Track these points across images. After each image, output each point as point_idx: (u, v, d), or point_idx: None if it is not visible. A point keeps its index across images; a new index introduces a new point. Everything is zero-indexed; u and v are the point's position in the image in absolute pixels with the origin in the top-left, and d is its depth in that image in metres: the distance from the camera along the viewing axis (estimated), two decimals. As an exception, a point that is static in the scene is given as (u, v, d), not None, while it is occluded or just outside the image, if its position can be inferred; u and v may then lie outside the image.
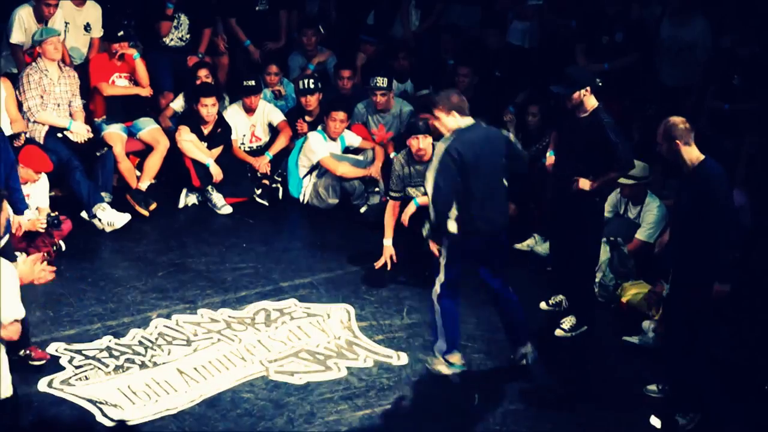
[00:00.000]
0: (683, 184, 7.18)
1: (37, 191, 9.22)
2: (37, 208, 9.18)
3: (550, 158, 8.79)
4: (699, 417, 7.35)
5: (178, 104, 10.99)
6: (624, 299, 8.90)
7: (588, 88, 8.14)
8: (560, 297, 8.83)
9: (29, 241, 8.95)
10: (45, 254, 9.07)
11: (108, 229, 9.77)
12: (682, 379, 7.38)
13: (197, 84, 10.65)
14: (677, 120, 7.09)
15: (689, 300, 7.15)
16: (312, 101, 10.88)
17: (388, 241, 9.34)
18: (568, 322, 8.58)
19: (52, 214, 9.15)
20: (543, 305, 8.86)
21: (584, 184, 8.20)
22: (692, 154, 7.07)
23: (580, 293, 8.62)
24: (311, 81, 10.88)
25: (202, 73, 10.79)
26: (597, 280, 8.96)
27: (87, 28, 10.78)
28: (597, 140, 8.11)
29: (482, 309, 8.81)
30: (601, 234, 8.70)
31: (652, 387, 7.74)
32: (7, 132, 9.77)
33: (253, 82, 10.81)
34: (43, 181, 9.33)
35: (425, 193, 9.25)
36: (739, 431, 7.38)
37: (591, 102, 8.19)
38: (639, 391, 7.78)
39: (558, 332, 8.57)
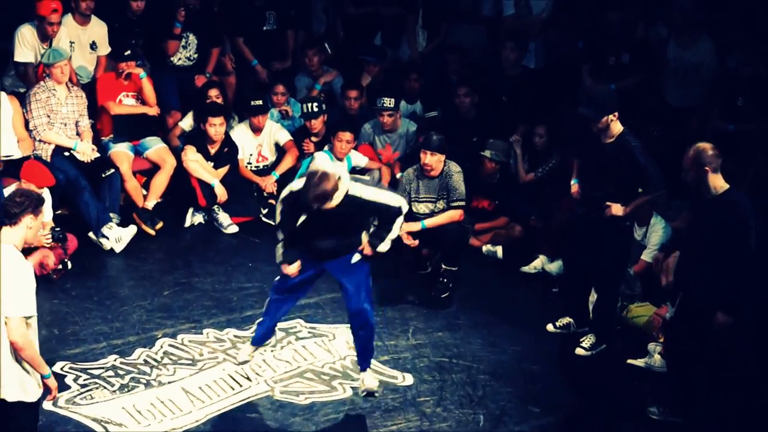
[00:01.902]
0: (704, 211, 7.12)
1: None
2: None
3: (574, 186, 8.67)
4: None
5: (186, 123, 11.00)
6: (629, 321, 8.89)
7: (616, 114, 8.14)
8: (568, 319, 8.81)
9: (34, 256, 8.98)
10: (50, 272, 9.13)
11: (117, 247, 9.78)
12: (687, 403, 7.40)
13: (206, 103, 10.67)
14: (706, 146, 7.08)
15: (697, 326, 7.15)
16: (317, 124, 10.88)
17: None
18: (588, 340, 8.57)
19: (56, 229, 9.16)
20: (550, 327, 8.84)
21: (617, 209, 8.17)
22: (718, 182, 7.07)
23: (603, 314, 8.60)
24: (315, 105, 10.87)
25: (213, 92, 10.81)
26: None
27: (93, 46, 10.78)
28: (626, 165, 8.10)
29: (487, 330, 8.82)
30: (628, 256, 8.70)
31: (653, 409, 7.73)
32: (15, 150, 9.85)
33: (260, 102, 10.83)
34: (46, 196, 9.31)
35: (434, 212, 9.28)
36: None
37: (617, 127, 8.16)
38: (642, 413, 7.76)
39: (578, 351, 8.56)
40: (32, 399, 6.06)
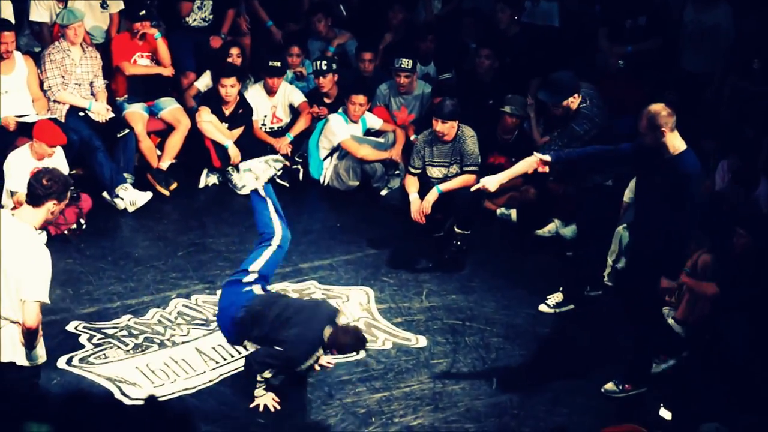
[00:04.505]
0: (659, 169, 7.04)
1: (52, 166, 9.11)
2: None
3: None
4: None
5: (201, 84, 10.97)
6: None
7: (576, 95, 8.08)
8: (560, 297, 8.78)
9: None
10: (64, 231, 9.15)
11: (130, 209, 9.79)
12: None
13: (224, 63, 10.63)
14: (658, 107, 7.00)
15: (642, 282, 7.21)
16: (326, 83, 10.86)
17: (414, 195, 9.29)
18: (554, 298, 8.61)
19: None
20: (543, 308, 8.73)
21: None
22: (675, 141, 7.01)
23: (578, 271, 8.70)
24: (324, 62, 10.87)
25: (234, 51, 10.78)
26: (618, 265, 8.92)
27: (103, 5, 10.68)
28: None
29: (500, 293, 8.82)
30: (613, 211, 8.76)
31: (661, 363, 7.80)
32: (30, 110, 9.84)
33: (278, 64, 10.80)
34: (59, 155, 9.30)
35: (447, 176, 9.27)
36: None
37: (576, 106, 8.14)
38: (655, 378, 7.76)
39: (542, 307, 8.60)
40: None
